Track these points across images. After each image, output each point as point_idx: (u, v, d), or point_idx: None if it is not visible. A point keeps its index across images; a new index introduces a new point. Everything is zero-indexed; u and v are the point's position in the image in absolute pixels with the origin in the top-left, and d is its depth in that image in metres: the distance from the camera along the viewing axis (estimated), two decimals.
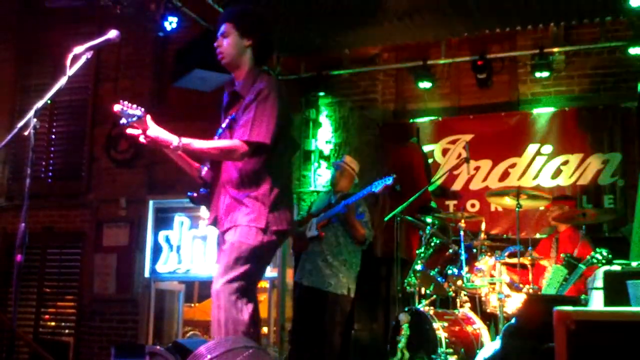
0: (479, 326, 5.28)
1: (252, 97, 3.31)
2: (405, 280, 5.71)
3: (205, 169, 3.50)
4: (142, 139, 3.19)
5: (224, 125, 3.46)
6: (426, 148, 7.46)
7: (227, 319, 3.17)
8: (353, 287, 5.54)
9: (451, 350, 4.97)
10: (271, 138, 3.26)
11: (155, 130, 3.20)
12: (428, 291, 5.69)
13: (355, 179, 5.88)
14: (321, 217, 5.55)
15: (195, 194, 3.52)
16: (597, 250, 5.06)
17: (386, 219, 6.09)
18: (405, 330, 5.05)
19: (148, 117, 3.19)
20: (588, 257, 5.09)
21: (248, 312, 3.20)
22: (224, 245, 3.35)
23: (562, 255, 5.51)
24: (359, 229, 5.48)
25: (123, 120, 3.22)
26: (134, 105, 3.23)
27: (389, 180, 5.20)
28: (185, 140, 3.22)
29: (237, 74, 3.49)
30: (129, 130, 3.23)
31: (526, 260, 5.33)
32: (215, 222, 3.46)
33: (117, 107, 3.20)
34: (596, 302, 3.64)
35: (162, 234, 8.27)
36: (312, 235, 5.52)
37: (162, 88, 8.65)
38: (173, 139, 3.19)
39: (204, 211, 3.55)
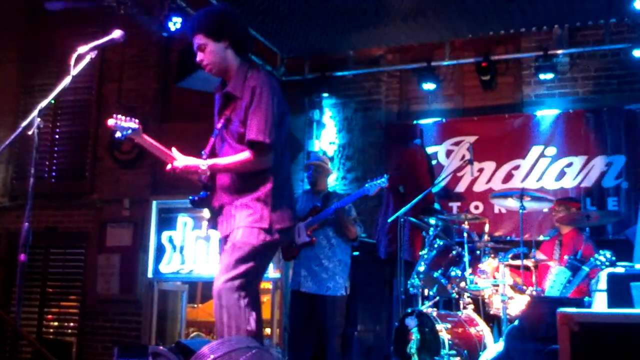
0: (482, 328, 5.27)
1: (248, 100, 3.29)
2: (409, 282, 5.69)
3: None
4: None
5: (219, 125, 3.45)
6: (430, 149, 7.44)
7: (229, 318, 3.16)
8: (348, 284, 5.53)
9: (454, 352, 4.96)
10: (270, 136, 3.24)
11: (183, 160, 3.31)
12: (431, 292, 5.67)
13: (329, 173, 5.90)
14: (310, 222, 5.45)
15: (196, 198, 3.53)
16: (601, 252, 5.04)
17: (390, 220, 6.09)
18: (415, 334, 5.03)
19: (175, 151, 3.32)
20: (592, 259, 5.08)
21: (250, 309, 3.20)
22: (225, 246, 3.34)
23: (565, 257, 5.50)
24: (350, 228, 5.46)
25: (118, 134, 3.30)
26: (128, 118, 3.31)
27: (383, 183, 5.19)
28: (210, 162, 3.33)
29: (227, 77, 3.46)
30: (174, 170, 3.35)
31: (529, 262, 5.32)
32: (216, 225, 3.46)
33: (111, 122, 3.28)
34: (600, 304, 3.64)
35: (165, 235, 8.28)
36: (304, 242, 5.44)
37: (166, 88, 8.67)
38: (200, 163, 3.31)
39: (207, 212, 3.55)
